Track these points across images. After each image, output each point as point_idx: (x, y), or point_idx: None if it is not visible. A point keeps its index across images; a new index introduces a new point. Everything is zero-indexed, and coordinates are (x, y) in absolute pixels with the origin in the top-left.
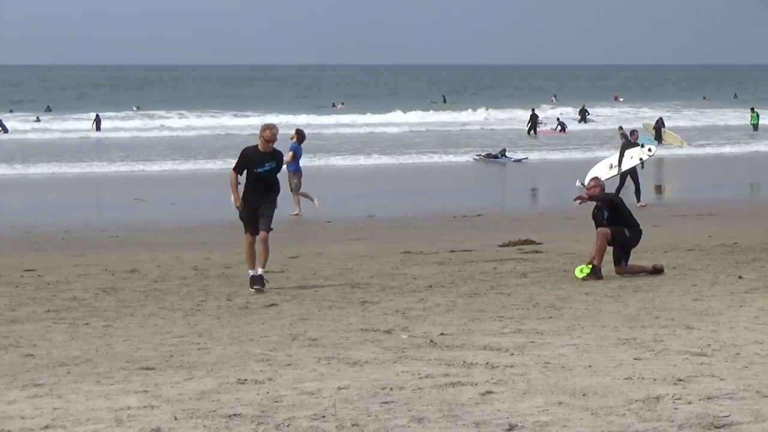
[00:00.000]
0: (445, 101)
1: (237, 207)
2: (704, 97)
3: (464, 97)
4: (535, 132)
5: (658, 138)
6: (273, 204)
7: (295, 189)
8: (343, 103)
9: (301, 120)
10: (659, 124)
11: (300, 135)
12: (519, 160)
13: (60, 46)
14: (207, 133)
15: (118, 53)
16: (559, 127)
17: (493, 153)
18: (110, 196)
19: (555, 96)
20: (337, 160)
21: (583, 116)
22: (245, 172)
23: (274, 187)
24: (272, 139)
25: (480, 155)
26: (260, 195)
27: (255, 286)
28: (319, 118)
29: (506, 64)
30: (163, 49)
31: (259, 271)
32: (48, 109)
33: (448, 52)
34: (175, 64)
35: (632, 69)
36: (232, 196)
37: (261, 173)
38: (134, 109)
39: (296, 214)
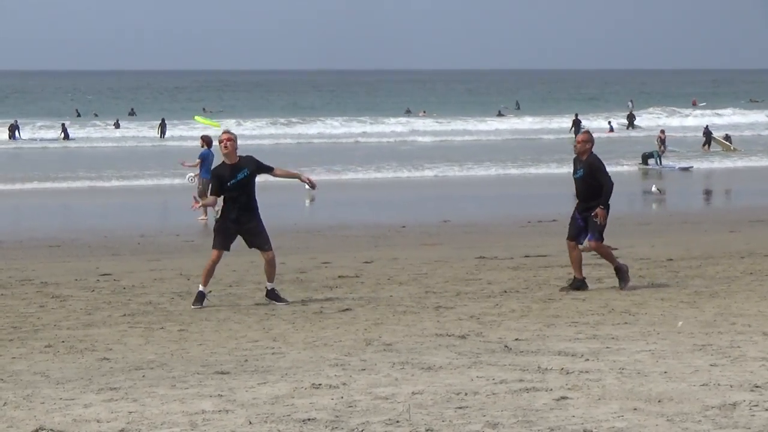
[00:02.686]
0: (518, 107)
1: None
2: (751, 99)
3: (536, 103)
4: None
5: (707, 144)
6: (260, 220)
7: (202, 195)
8: (425, 111)
9: (397, 127)
10: (708, 131)
11: (207, 141)
12: (685, 169)
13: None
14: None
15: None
16: (610, 130)
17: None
18: (185, 202)
19: (631, 101)
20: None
21: (631, 122)
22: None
23: (253, 199)
24: (229, 146)
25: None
26: (242, 210)
27: (196, 304)
28: (408, 125)
29: (568, 68)
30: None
31: (270, 285)
32: (132, 113)
33: (495, 57)
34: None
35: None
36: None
37: (234, 185)
38: (203, 110)
39: (202, 219)
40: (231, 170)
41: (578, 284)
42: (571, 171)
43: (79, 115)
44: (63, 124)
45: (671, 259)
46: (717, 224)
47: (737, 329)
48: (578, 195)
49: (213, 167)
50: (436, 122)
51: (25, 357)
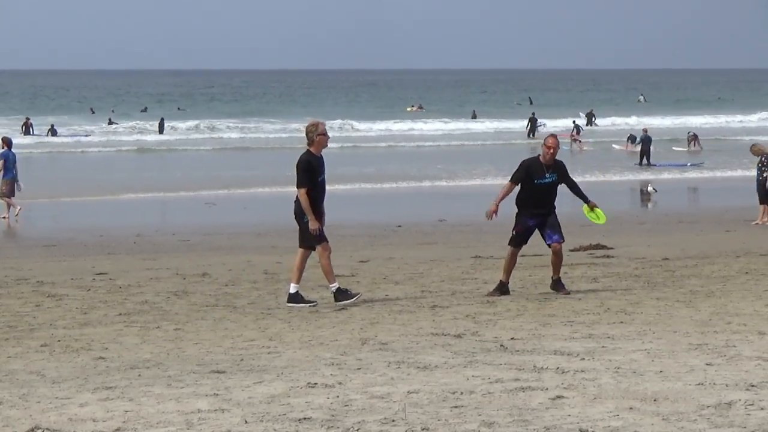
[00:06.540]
0: (531, 103)
1: (315, 229)
2: (719, 98)
3: (549, 99)
4: (534, 135)
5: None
6: None
7: (2, 195)
8: (414, 106)
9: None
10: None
11: (7, 142)
12: (696, 165)
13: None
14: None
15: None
16: (575, 131)
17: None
18: (181, 201)
19: (642, 95)
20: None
21: (590, 121)
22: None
23: None
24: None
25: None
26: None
27: (311, 303)
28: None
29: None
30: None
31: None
32: (144, 110)
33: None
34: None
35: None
36: (310, 216)
37: (323, 180)
38: (177, 109)
39: (3, 217)
40: (321, 163)
41: (505, 288)
42: (528, 177)
43: (93, 113)
44: (52, 125)
45: (667, 259)
46: (713, 224)
47: (733, 328)
48: (538, 202)
49: (304, 156)
50: (442, 122)
51: (20, 356)
